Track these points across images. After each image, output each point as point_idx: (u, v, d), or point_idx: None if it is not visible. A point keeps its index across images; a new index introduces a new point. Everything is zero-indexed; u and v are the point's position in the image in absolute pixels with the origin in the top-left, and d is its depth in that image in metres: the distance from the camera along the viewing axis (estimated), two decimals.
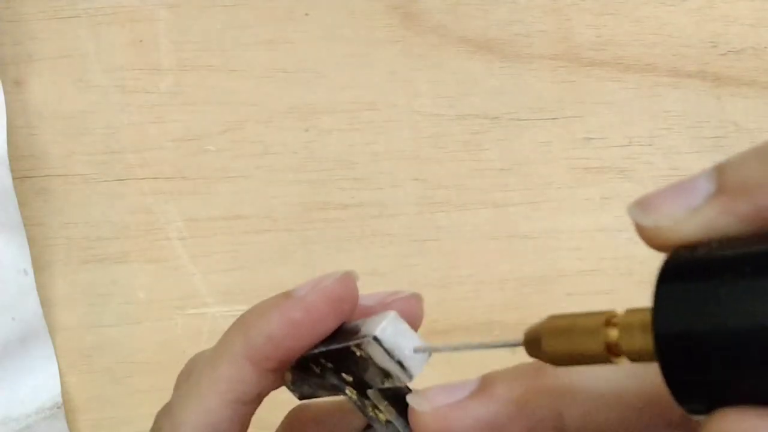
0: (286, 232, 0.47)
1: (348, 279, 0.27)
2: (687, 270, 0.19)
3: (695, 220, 0.19)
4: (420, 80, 0.49)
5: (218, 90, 0.48)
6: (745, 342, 0.17)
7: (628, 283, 0.47)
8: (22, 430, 0.43)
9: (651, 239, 0.20)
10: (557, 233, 0.48)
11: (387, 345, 0.25)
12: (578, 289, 0.46)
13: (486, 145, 0.48)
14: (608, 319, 0.20)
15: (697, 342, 0.18)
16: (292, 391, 0.28)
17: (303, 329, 0.26)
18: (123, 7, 0.48)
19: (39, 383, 0.44)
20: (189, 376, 0.30)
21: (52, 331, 0.44)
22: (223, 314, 0.45)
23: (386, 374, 0.25)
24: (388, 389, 0.26)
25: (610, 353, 0.20)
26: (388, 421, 0.26)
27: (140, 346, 0.45)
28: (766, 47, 0.50)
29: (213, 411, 0.27)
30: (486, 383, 0.24)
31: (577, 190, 0.48)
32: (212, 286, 0.46)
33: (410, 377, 0.25)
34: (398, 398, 0.26)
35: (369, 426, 0.29)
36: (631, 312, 0.20)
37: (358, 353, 0.25)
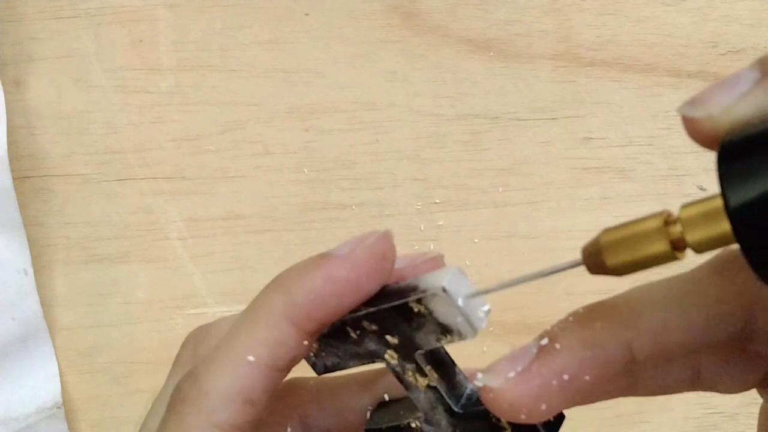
0: (286, 232, 0.47)
1: (389, 237, 0.26)
2: (745, 144, 0.19)
3: (745, 104, 0.20)
4: (420, 80, 0.49)
5: (218, 90, 0.48)
6: None
7: (628, 283, 0.47)
8: (23, 429, 0.43)
9: (701, 131, 0.20)
10: (557, 233, 0.48)
11: (454, 297, 0.24)
12: (577, 289, 0.46)
13: (486, 145, 0.48)
14: (665, 219, 0.21)
15: None
16: (314, 364, 0.27)
17: (348, 287, 0.25)
18: (123, 7, 0.48)
19: (39, 383, 0.44)
20: (200, 342, 0.29)
21: (52, 331, 0.44)
22: (223, 314, 0.45)
23: (445, 330, 0.25)
24: (432, 355, 0.26)
25: (675, 250, 0.21)
26: (428, 387, 0.26)
27: (140, 346, 0.45)
28: (766, 47, 0.50)
29: (246, 377, 0.25)
30: (548, 339, 0.24)
31: (577, 190, 0.48)
32: (212, 286, 0.46)
33: (475, 331, 0.25)
34: (442, 363, 0.26)
35: (380, 405, 0.29)
36: (687, 206, 0.21)
37: (416, 309, 0.25)
